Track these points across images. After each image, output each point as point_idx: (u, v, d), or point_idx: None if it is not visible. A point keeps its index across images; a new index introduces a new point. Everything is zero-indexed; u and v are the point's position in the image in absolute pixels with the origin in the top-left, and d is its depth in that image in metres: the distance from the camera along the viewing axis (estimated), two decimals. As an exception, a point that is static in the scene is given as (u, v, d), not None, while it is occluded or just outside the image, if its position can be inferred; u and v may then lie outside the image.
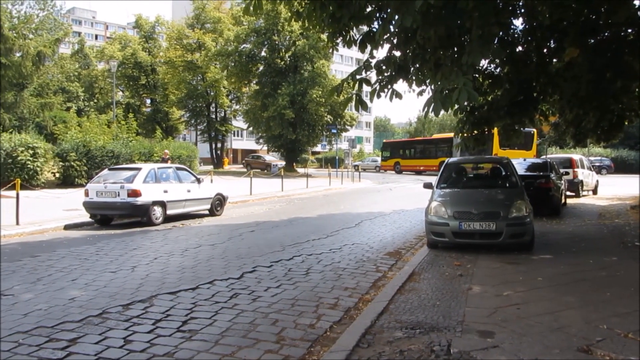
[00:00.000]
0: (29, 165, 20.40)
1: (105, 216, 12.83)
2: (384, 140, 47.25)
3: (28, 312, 5.50)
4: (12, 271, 7.50)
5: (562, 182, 15.94)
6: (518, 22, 79.32)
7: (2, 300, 5.99)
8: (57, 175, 22.66)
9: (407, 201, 18.83)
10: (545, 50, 10.22)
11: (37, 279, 7.00)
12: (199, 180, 14.43)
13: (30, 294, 6.26)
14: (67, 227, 12.10)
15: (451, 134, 35.97)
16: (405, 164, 43.88)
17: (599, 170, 36.23)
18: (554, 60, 10.66)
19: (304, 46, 38.62)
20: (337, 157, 41.79)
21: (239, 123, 56.72)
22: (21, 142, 20.70)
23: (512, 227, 8.40)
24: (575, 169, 19.65)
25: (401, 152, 45.78)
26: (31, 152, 20.65)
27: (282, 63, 40.08)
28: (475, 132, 11.44)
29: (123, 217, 13.05)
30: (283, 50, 40.62)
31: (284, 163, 43.23)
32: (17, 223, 11.64)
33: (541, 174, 14.49)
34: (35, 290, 6.45)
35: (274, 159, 48.00)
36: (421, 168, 41.06)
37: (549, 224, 12.35)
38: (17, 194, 12.02)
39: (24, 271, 7.51)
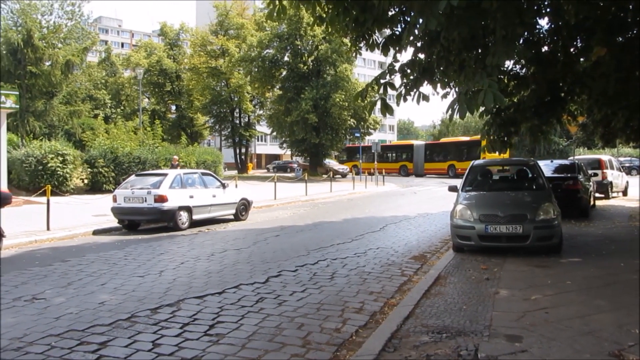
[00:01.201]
0: (58, 172, 20.84)
1: (132, 221, 13.03)
2: (347, 145, 48.55)
3: (60, 315, 5.62)
4: (44, 275, 7.67)
5: (591, 183, 15.64)
6: (543, 22, 78.18)
7: (35, 303, 6.13)
8: (86, 181, 23.09)
9: (432, 204, 18.69)
10: (572, 50, 10.07)
11: (68, 283, 7.15)
12: (224, 186, 14.55)
13: (61, 297, 6.40)
14: (96, 232, 12.33)
15: (408, 142, 43.07)
16: (364, 167, 45.14)
17: (628, 171, 35.45)
18: (581, 59, 10.48)
19: (327, 50, 38.70)
20: (360, 161, 41.54)
21: (262, 128, 57.06)
22: (51, 149, 21.17)
23: (539, 229, 8.27)
24: (604, 170, 19.26)
25: (357, 155, 46.41)
26: (61, 159, 21.09)
27: (305, 68, 40.22)
28: (502, 133, 11.30)
29: (150, 222, 13.23)
30: (306, 55, 40.76)
31: (347, 168, 40.54)
32: (48, 228, 11.90)
33: (569, 175, 14.24)
34: (66, 294, 6.58)
35: (336, 163, 44.57)
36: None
37: (577, 226, 12.13)
38: (48, 200, 12.28)
39: (55, 275, 7.67)
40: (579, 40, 9.88)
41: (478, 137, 34.33)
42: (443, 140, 46.60)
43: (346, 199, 22.71)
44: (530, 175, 10.33)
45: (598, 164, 19.30)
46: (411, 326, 5.04)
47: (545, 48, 9.99)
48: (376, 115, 42.19)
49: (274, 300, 6.16)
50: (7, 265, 8.50)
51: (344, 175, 35.30)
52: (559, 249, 8.64)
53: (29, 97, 29.57)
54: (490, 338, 4.61)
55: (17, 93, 20.32)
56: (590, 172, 16.76)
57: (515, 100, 11.49)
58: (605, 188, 19.23)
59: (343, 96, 37.31)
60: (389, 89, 7.52)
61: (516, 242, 8.46)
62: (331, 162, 43.78)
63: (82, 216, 14.55)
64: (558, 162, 16.94)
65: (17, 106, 19.61)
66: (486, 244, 8.57)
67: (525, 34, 8.77)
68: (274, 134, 46.45)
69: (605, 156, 22.04)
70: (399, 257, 8.96)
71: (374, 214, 16.14)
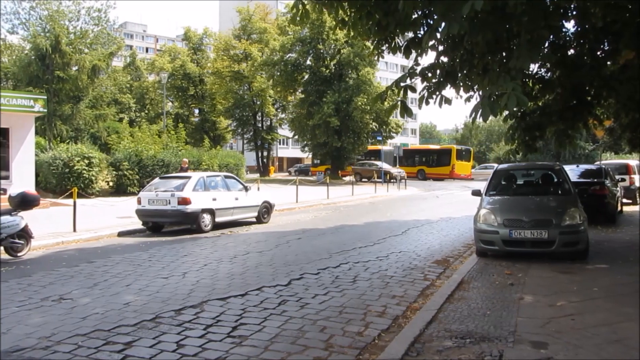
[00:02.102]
0: (84, 175, 21.19)
1: (156, 223, 13.19)
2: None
3: (86, 315, 5.72)
4: (70, 276, 7.81)
5: (618, 188, 15.35)
6: (569, 25, 76.99)
7: (62, 303, 6.25)
8: (111, 183, 23.45)
9: (455, 208, 18.54)
10: (598, 53, 9.91)
11: (94, 284, 7.27)
12: (246, 188, 14.65)
13: (87, 298, 6.51)
14: (121, 234, 12.51)
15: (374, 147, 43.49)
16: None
17: (657, 176, 34.64)
18: (609, 62, 10.31)
19: (349, 54, 38.70)
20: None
21: (284, 131, 57.25)
22: (77, 152, 21.55)
23: (565, 235, 8.16)
24: (632, 175, 18.89)
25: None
26: (87, 161, 21.45)
27: (327, 71, 40.27)
28: (527, 137, 11.16)
29: (173, 224, 13.39)
30: (328, 59, 40.83)
31: (402, 171, 38.84)
32: (74, 230, 12.11)
33: (595, 180, 14.00)
34: (92, 294, 6.70)
35: (389, 166, 41.36)
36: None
37: (604, 232, 11.92)
38: (74, 202, 12.51)
39: (81, 276, 7.81)
40: (606, 44, 9.72)
41: (448, 146, 39.93)
42: (413, 147, 49.00)
43: (368, 203, 22.66)
44: (555, 180, 10.19)
45: (625, 169, 18.96)
46: (434, 331, 5.02)
47: (571, 51, 9.86)
48: (397, 118, 42.01)
49: (297, 302, 6.19)
50: (35, 266, 8.69)
51: (398, 180, 33.06)
52: (585, 255, 8.50)
53: (56, 102, 30.14)
54: (515, 344, 4.57)
55: (45, 97, 20.79)
56: (617, 177, 16.45)
57: (540, 104, 11.35)
58: (632, 193, 18.85)
59: (365, 100, 37.24)
60: (409, 92, 7.51)
61: (541, 247, 8.35)
62: (384, 165, 40.00)
63: (107, 218, 14.78)
64: (584, 166, 16.67)
65: (45, 110, 20.03)
66: (510, 249, 8.48)
67: (551, 37, 8.66)
68: (296, 137, 46.55)
69: (633, 161, 21.60)
70: (421, 261, 8.91)
71: (395, 217, 16.07)
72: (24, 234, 9.56)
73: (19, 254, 9.40)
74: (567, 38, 9.59)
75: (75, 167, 20.98)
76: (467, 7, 4.96)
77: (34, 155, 19.82)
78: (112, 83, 44.18)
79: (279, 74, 40.99)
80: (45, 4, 32.85)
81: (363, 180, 39.07)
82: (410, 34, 8.06)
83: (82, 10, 33.89)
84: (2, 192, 10.04)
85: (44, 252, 10.14)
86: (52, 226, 12.78)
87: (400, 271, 8.03)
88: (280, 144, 72.25)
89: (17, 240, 9.38)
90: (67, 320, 5.54)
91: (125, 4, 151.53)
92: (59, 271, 8.18)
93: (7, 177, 18.09)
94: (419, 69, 7.64)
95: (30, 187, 15.97)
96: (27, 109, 18.41)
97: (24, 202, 9.56)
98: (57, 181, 21.04)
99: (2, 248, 9.25)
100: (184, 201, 12.52)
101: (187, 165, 20.21)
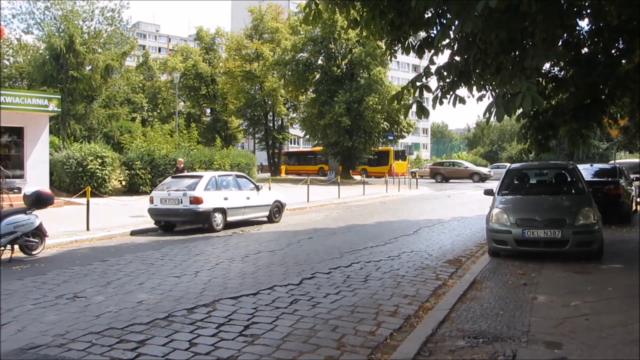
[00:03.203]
0: (97, 174, 21.33)
1: (168, 222, 13.27)
2: (284, 151, 56.12)
3: (100, 313, 5.77)
4: (84, 274, 7.88)
5: (633, 188, 15.19)
6: (583, 24, 76.42)
7: (76, 301, 6.31)
8: (123, 183, 23.60)
9: (467, 208, 18.45)
10: (613, 52, 9.81)
11: (107, 283, 7.33)
12: (257, 188, 14.68)
13: (101, 296, 6.57)
14: (133, 233, 12.60)
15: (316, 148, 49.54)
16: (293, 169, 53.92)
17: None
18: (623, 61, 10.20)
19: (360, 54, 38.61)
20: (393, 164, 41.43)
21: (295, 131, 57.30)
22: (90, 151, 21.71)
23: (579, 235, 8.09)
24: (647, 175, 18.65)
25: (293, 159, 56.37)
26: (100, 161, 21.60)
27: (339, 71, 40.21)
28: (540, 137, 11.07)
29: (185, 223, 13.46)
30: (339, 58, 40.76)
31: (489, 170, 39.93)
32: (88, 229, 12.22)
33: (610, 179, 13.86)
34: (105, 293, 6.75)
35: (474, 166, 42.58)
36: (302, 172, 50.12)
37: (618, 232, 11.80)
38: (88, 201, 12.61)
39: (95, 275, 7.88)
40: (621, 42, 9.61)
41: (387, 148, 44.15)
42: (314, 149, 53.97)
43: (379, 202, 22.61)
44: (569, 179, 10.10)
45: (640, 168, 18.73)
46: (447, 330, 5.00)
47: (586, 50, 9.76)
48: (410, 118, 41.89)
49: (308, 302, 6.19)
50: (50, 264, 8.78)
51: (483, 180, 35.51)
52: (600, 255, 8.42)
53: (70, 101, 30.37)
54: (528, 344, 4.54)
55: (60, 97, 20.94)
56: (632, 176, 16.27)
57: (553, 103, 11.25)
58: (647, 193, 18.63)
59: (377, 99, 37.14)
60: (424, 92, 7.48)
61: (555, 247, 8.28)
62: (469, 165, 41.75)
63: (120, 217, 14.89)
64: (598, 166, 16.51)
65: (59, 109, 20.21)
66: (523, 249, 8.42)
67: (565, 35, 8.58)
68: (307, 136, 46.55)
69: (647, 160, 21.37)
70: (433, 260, 8.88)
71: (407, 217, 16.02)
72: (39, 233, 9.66)
73: (33, 253, 9.50)
74: (582, 37, 9.49)
75: (89, 166, 21.13)
76: (481, 5, 4.94)
77: (48, 154, 20.00)
78: (125, 82, 44.48)
79: (290, 73, 41.01)
80: (60, 4, 33.14)
81: (451, 181, 39.66)
82: (424, 34, 8.04)
83: (96, 10, 34.15)
84: (16, 190, 10.15)
85: (58, 251, 10.24)
86: (66, 225, 12.90)
87: (412, 271, 8.01)
88: (291, 143, 72.25)
89: (31, 239, 9.47)
90: (81, 318, 5.59)
91: (139, 4, 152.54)
92: (73, 269, 8.25)
93: (21, 176, 18.30)
94: (434, 68, 7.61)
95: (44, 186, 16.14)
96: (41, 108, 18.59)
97: (38, 201, 9.65)
98: (71, 180, 21.22)
99: (15, 246, 9.34)
100: (196, 200, 12.57)
101: (182, 165, 19.81)
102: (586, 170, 14.16)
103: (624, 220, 13.23)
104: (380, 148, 43.80)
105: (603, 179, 14.00)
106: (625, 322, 5.08)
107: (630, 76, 10.00)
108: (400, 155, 46.48)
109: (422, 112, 7.24)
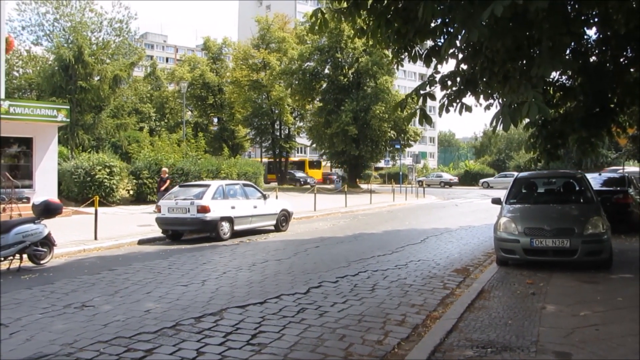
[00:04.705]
0: (105, 183, 21.44)
1: (176, 231, 13.29)
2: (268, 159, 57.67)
3: (108, 322, 5.77)
4: (92, 283, 7.90)
5: (642, 197, 15.05)
6: (591, 32, 76.31)
7: (84, 310, 6.32)
8: (131, 192, 23.69)
9: (474, 217, 18.38)
10: (621, 60, 9.78)
11: (115, 291, 7.34)
12: (264, 197, 14.70)
13: (109, 305, 6.57)
14: (141, 242, 12.63)
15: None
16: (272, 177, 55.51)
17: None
18: (632, 69, 10.17)
19: (367, 62, 38.75)
20: (400, 173, 41.63)
21: (302, 140, 57.44)
22: (99, 161, 21.83)
23: (588, 244, 8.03)
24: (656, 184, 18.49)
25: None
26: (108, 170, 21.71)
27: (345, 80, 40.35)
28: (548, 146, 11.03)
29: (193, 232, 13.48)
30: (346, 67, 40.92)
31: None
32: (96, 238, 12.26)
33: (618, 189, 13.76)
34: (113, 302, 6.76)
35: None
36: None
37: (627, 241, 11.70)
38: (96, 211, 12.67)
39: (103, 283, 7.90)
40: (629, 50, 9.59)
41: (303, 157, 50.55)
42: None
43: (386, 211, 22.58)
44: (577, 188, 10.04)
45: (649, 177, 18.56)
46: (455, 340, 4.96)
47: (593, 58, 9.75)
48: (416, 126, 41.94)
49: (315, 311, 6.17)
50: (58, 273, 8.81)
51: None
52: (609, 264, 8.35)
53: (78, 111, 30.64)
54: (537, 354, 4.50)
55: (68, 107, 21.10)
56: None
57: (561, 111, 11.22)
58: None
59: (383, 108, 37.20)
60: (429, 100, 7.49)
61: (563, 256, 8.22)
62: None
63: (127, 226, 14.94)
64: (607, 175, 16.40)
65: (68, 120, 20.35)
66: (531, 258, 8.37)
67: (572, 44, 8.58)
68: (314, 145, 46.67)
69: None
70: (440, 269, 8.84)
71: (414, 226, 15.98)
72: (47, 242, 9.70)
73: (42, 262, 9.54)
74: (589, 45, 9.49)
75: (97, 176, 21.24)
76: (487, 13, 4.94)
77: (57, 164, 20.13)
78: (133, 93, 44.79)
79: (297, 82, 41.19)
80: (69, 15, 33.53)
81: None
82: (430, 42, 8.05)
83: (105, 22, 34.59)
84: (25, 200, 10.21)
85: (66, 260, 10.28)
86: (74, 234, 12.96)
87: (419, 280, 7.97)
88: (298, 152, 72.41)
89: (40, 248, 9.51)
90: (89, 327, 5.60)
91: (147, 15, 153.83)
92: (81, 279, 8.27)
93: (30, 186, 18.42)
94: (438, 76, 7.62)
95: (53, 196, 16.22)
96: (50, 118, 18.72)
97: (47, 211, 9.70)
98: (79, 190, 21.33)
99: (24, 256, 9.39)
100: (203, 209, 12.60)
101: (166, 176, 19.46)
102: (595, 180, 14.07)
103: (633, 230, 13.10)
104: (299, 158, 50.02)
105: (612, 188, 13.91)
106: (635, 332, 5.02)
107: (638, 84, 9.97)
108: (315, 165, 56.07)
109: (426, 120, 7.24)
